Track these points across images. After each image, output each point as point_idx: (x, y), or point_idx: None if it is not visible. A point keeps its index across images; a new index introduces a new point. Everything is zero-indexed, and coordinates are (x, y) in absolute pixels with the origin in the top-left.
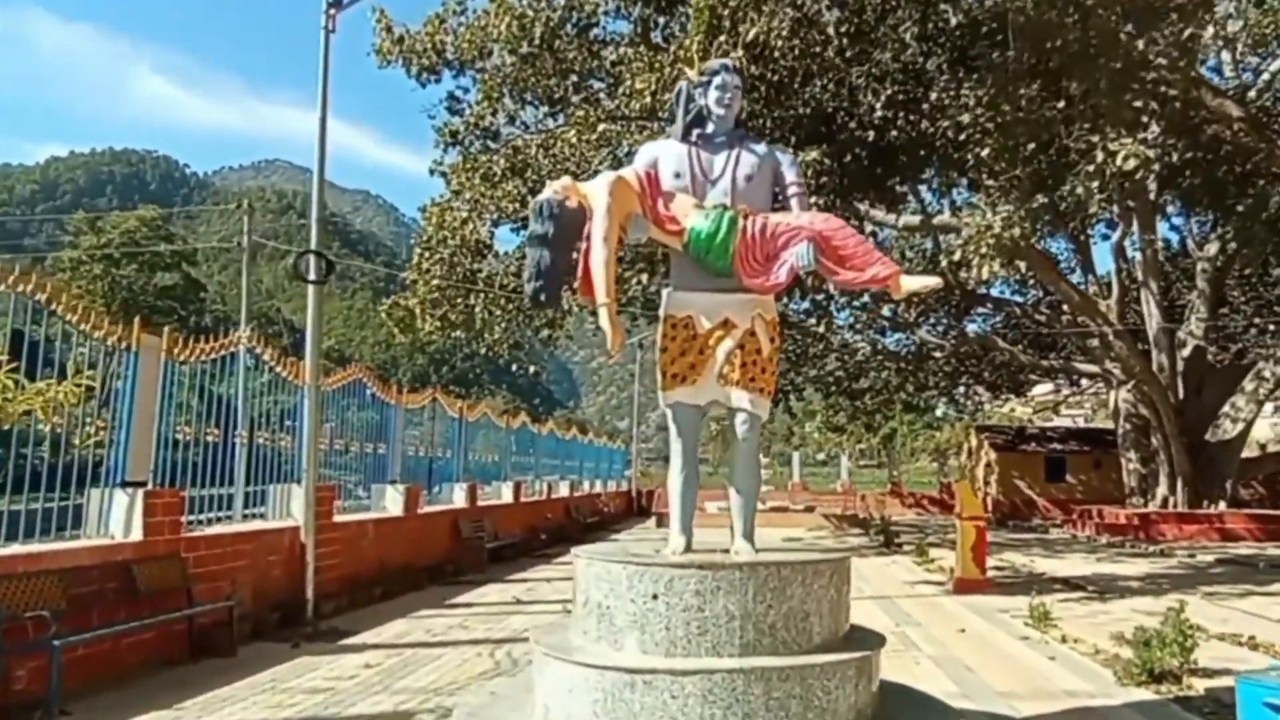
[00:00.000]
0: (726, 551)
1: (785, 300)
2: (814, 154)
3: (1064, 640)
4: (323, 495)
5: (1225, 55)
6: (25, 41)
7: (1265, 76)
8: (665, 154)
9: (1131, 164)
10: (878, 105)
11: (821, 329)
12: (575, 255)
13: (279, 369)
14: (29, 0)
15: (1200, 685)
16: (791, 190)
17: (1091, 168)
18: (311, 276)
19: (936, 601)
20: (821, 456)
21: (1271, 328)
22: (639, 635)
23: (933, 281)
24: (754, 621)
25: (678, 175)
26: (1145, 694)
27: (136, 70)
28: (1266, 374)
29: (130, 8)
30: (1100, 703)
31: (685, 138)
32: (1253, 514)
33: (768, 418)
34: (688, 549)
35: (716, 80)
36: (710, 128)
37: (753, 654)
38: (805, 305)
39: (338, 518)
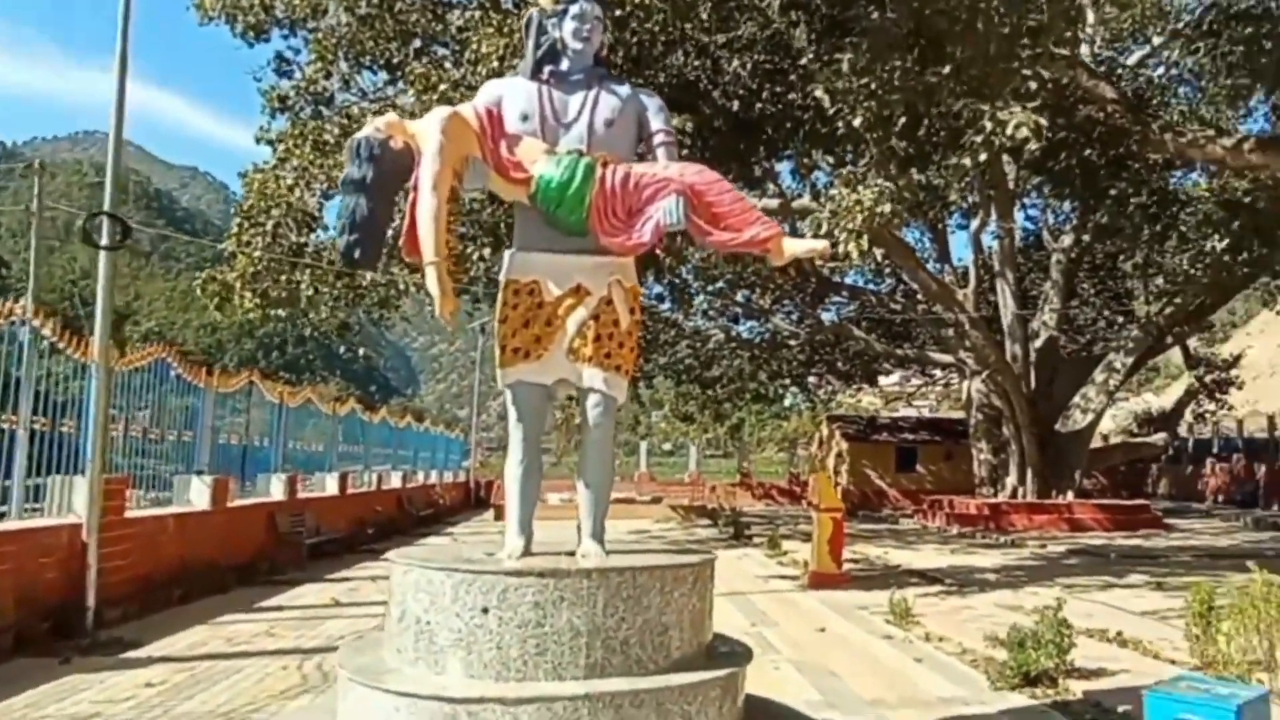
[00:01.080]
0: (572, 554)
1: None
2: (675, 122)
3: (928, 639)
4: (113, 488)
5: (1085, 49)
6: None
7: (1131, 61)
8: (511, 92)
9: (1024, 133)
10: (743, 73)
11: (679, 315)
12: (399, 206)
13: (61, 344)
14: None
15: (1077, 688)
16: (658, 139)
17: (979, 138)
18: (104, 241)
19: (792, 598)
20: (668, 446)
21: (1120, 320)
22: (465, 656)
23: (819, 245)
24: (603, 638)
25: (525, 117)
26: (1021, 699)
27: None
28: (1117, 365)
29: None
30: (976, 710)
31: (535, 75)
32: (1100, 504)
33: (623, 401)
34: (526, 552)
35: (574, 9)
36: (565, 64)
37: (600, 675)
38: (658, 290)
39: (132, 513)
